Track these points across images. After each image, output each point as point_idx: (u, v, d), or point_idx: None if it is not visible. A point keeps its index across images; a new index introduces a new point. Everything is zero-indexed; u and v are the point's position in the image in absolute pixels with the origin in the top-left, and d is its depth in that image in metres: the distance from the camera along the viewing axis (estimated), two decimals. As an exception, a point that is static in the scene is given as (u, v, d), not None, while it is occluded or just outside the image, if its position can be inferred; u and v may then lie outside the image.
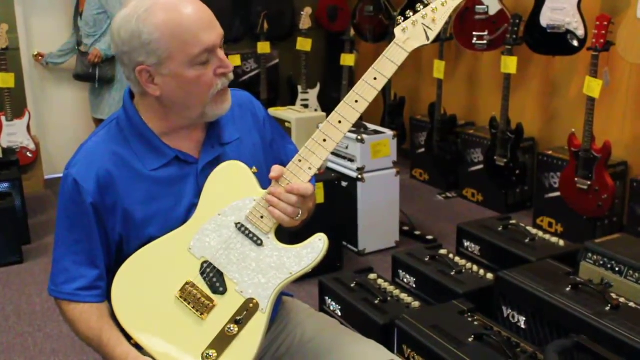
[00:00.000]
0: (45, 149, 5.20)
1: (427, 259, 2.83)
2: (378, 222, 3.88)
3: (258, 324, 1.48)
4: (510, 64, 4.09)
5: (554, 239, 2.95)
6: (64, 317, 1.60)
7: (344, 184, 3.79)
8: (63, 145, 5.17)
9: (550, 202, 4.08)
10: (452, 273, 2.69)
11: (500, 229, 3.06)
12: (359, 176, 3.78)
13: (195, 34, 1.44)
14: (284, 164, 1.53)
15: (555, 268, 2.55)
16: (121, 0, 4.55)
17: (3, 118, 4.86)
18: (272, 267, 1.50)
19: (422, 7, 1.52)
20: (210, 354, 1.47)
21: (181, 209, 1.56)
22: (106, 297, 1.58)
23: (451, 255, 2.86)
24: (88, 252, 1.55)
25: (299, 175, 1.50)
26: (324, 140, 1.50)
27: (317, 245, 1.50)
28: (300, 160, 1.51)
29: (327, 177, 3.56)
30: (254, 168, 1.58)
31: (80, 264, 1.55)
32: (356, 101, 1.50)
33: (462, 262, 2.80)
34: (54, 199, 4.64)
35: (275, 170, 1.51)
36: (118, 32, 1.48)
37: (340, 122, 1.50)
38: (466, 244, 3.11)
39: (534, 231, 3.03)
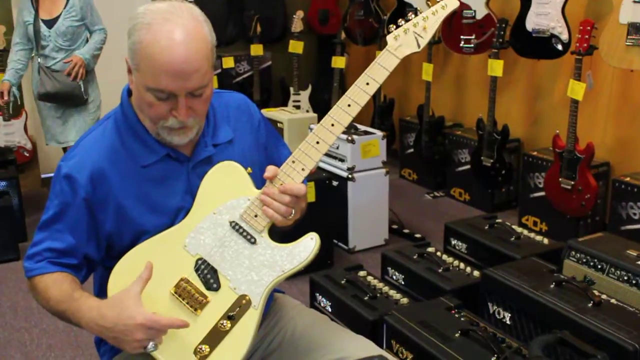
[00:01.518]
0: (41, 148, 5.17)
1: (415, 257, 2.84)
2: (368, 220, 3.89)
3: (250, 320, 1.48)
4: (496, 67, 4.11)
5: (539, 238, 2.97)
6: (36, 290, 1.54)
7: (335, 183, 3.80)
8: (59, 144, 5.15)
9: (535, 202, 4.09)
10: (440, 270, 2.70)
11: (486, 227, 3.07)
12: (349, 176, 3.78)
13: (157, 71, 1.42)
14: (277, 166, 1.53)
15: (540, 266, 2.56)
16: (101, 17, 4.05)
17: (0, 118, 4.84)
18: (265, 265, 1.50)
19: (413, 15, 1.54)
20: (203, 349, 1.47)
21: (172, 204, 1.56)
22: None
23: (439, 253, 2.87)
24: (68, 242, 1.53)
25: (292, 175, 1.51)
26: (317, 143, 1.51)
27: (309, 244, 1.50)
28: (293, 162, 1.52)
29: (318, 177, 3.56)
30: (249, 168, 1.59)
31: (58, 250, 1.54)
32: (349, 105, 1.52)
33: (449, 259, 2.80)
34: (51, 197, 4.57)
35: (270, 170, 1.52)
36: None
37: (333, 125, 1.51)
38: (453, 242, 3.12)
39: (519, 230, 3.04)
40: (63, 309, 1.50)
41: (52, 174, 1.59)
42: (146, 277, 1.45)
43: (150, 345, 1.41)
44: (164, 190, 1.56)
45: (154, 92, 1.45)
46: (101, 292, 1.58)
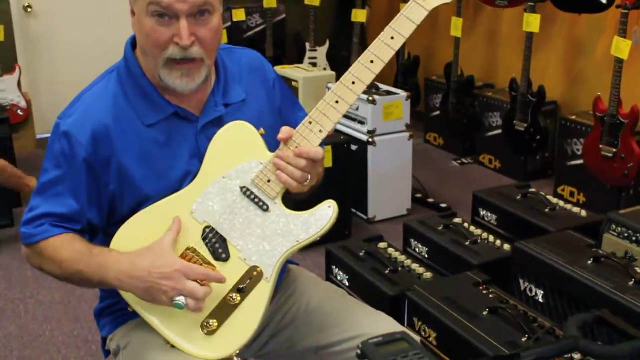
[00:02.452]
0: (37, 106, 5.20)
1: (440, 228, 2.84)
2: (389, 188, 3.89)
3: (262, 293, 1.49)
4: (533, 22, 4.05)
5: (576, 209, 2.95)
6: (43, 256, 1.53)
7: (354, 147, 3.79)
8: (56, 102, 5.12)
9: (572, 170, 4.07)
10: (467, 243, 2.70)
11: (518, 197, 3.05)
12: (370, 139, 3.78)
13: None
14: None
15: (577, 240, 2.54)
16: None
17: (-8, 74, 4.85)
18: (278, 234, 1.50)
19: (445, -36, 1.52)
20: (211, 324, 1.48)
21: (178, 168, 1.56)
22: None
23: (466, 225, 2.87)
24: (69, 206, 1.53)
25: (309, 138, 1.50)
26: (337, 102, 1.50)
27: (326, 213, 1.50)
28: (310, 122, 1.51)
29: (335, 140, 3.55)
30: (262, 129, 1.58)
31: (58, 215, 1.54)
32: (371, 61, 1.50)
33: (478, 231, 2.80)
34: (47, 160, 4.59)
35: (284, 131, 1.51)
36: None
37: (354, 83, 1.50)
38: (482, 212, 3.11)
39: (554, 200, 3.02)
40: (79, 269, 1.50)
41: (48, 135, 1.59)
42: (176, 229, 1.48)
43: (181, 298, 1.42)
44: (170, 152, 1.56)
45: (149, 8, 1.45)
46: None
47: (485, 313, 2.14)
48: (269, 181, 1.51)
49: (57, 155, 1.53)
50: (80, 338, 2.91)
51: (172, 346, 1.51)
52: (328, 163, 3.40)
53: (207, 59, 1.53)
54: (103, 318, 1.73)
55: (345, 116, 3.90)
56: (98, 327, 1.77)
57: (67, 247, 1.52)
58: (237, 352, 1.50)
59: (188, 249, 1.51)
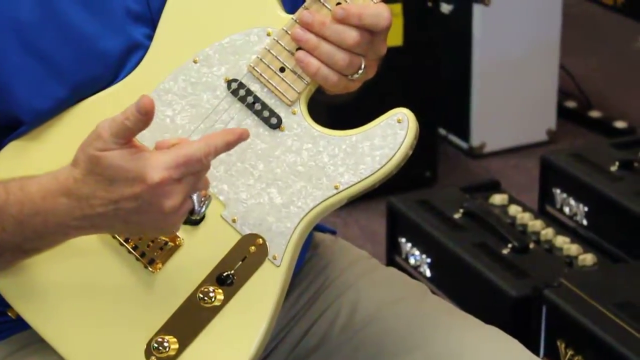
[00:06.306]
0: None
1: (614, 169, 2.86)
2: (514, 90, 3.92)
3: (265, 288, 1.51)
4: None
5: None
6: None
7: (447, 7, 3.81)
8: None
9: None
10: (668, 200, 2.72)
11: None
12: (479, -7, 3.78)
13: None
14: None
15: None
16: None
17: None
18: (300, 174, 1.51)
19: None
20: (165, 345, 1.50)
21: (106, 43, 1.56)
22: None
23: (666, 163, 2.87)
24: None
25: (361, -14, 1.50)
26: None
27: (393, 132, 1.49)
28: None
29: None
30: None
31: None
32: None
33: (688, 177, 2.82)
34: None
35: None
36: None
37: None
38: (697, 140, 3.12)
39: None
40: None
41: None
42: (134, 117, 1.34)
43: (196, 203, 1.40)
44: (90, 11, 1.55)
45: None
46: None
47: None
48: (282, 70, 1.51)
49: None
50: None
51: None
52: (395, 40, 3.45)
53: None
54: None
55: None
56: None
57: None
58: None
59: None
